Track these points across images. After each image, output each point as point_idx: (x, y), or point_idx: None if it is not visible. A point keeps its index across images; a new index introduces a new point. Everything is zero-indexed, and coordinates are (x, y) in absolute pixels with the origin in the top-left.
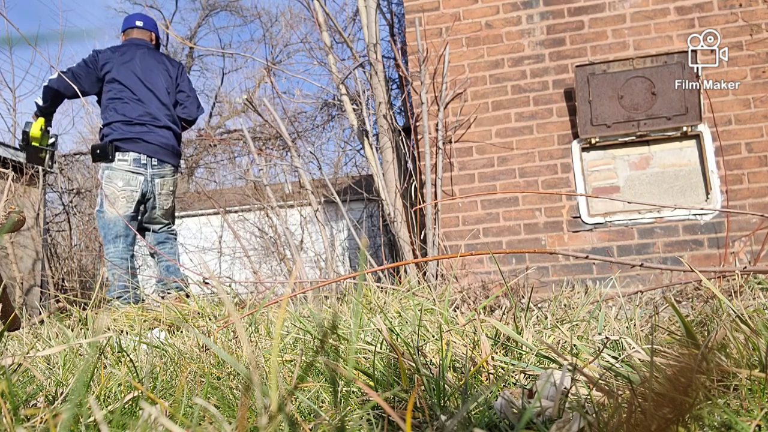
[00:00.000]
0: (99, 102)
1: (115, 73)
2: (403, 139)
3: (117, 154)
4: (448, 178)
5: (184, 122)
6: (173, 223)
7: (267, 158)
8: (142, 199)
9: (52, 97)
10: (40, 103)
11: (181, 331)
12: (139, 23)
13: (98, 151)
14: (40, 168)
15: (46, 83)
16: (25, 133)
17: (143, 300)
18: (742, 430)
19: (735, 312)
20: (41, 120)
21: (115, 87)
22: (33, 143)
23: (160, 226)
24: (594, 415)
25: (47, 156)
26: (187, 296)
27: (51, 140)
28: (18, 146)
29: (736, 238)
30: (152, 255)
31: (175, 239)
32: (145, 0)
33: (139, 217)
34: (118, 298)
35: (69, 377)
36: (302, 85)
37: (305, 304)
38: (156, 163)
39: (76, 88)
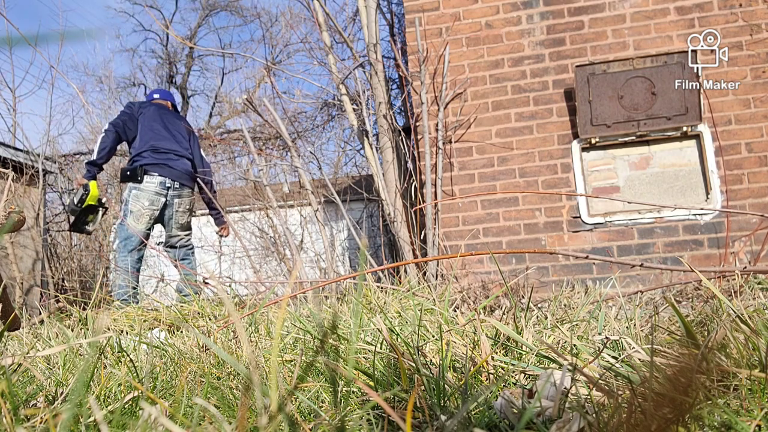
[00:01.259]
0: (128, 141)
1: (146, 118)
2: (403, 139)
3: (145, 177)
4: (448, 178)
5: (205, 183)
6: (190, 235)
7: (267, 158)
8: (160, 217)
9: (111, 145)
10: (95, 157)
11: (181, 331)
12: (156, 95)
13: (128, 173)
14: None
15: (102, 134)
16: (85, 194)
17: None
18: (742, 430)
19: (735, 312)
20: (94, 182)
21: (146, 126)
22: (90, 202)
23: (178, 238)
24: (594, 415)
25: (99, 215)
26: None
27: (103, 199)
28: (69, 210)
29: (736, 238)
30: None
31: (193, 254)
32: (145, 0)
33: (152, 232)
34: (123, 300)
35: (69, 377)
36: (302, 85)
37: (305, 304)
38: (177, 186)
39: (127, 134)
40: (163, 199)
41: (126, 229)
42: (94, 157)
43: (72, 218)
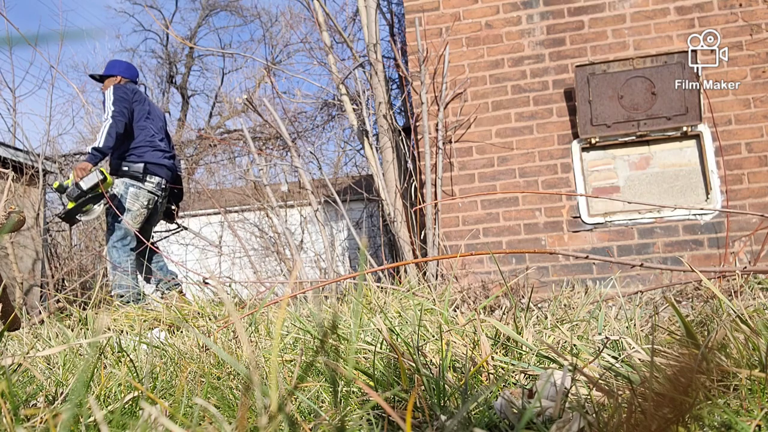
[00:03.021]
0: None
1: (139, 107)
2: (403, 139)
3: (147, 176)
4: (448, 178)
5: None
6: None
7: (267, 158)
8: (149, 216)
9: (121, 133)
10: (101, 144)
11: (181, 331)
12: (137, 78)
13: (127, 169)
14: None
15: (110, 121)
16: (101, 180)
17: (143, 298)
18: (742, 430)
19: (735, 312)
20: (102, 168)
21: (142, 117)
22: (101, 190)
23: (151, 236)
24: (594, 415)
25: (100, 207)
26: (181, 292)
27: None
28: (73, 195)
29: (736, 238)
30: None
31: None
32: (145, 0)
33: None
34: (121, 296)
35: (69, 377)
36: (302, 85)
37: (305, 304)
38: (165, 186)
39: (131, 123)
40: (156, 199)
41: (123, 228)
42: (101, 144)
43: (70, 204)
